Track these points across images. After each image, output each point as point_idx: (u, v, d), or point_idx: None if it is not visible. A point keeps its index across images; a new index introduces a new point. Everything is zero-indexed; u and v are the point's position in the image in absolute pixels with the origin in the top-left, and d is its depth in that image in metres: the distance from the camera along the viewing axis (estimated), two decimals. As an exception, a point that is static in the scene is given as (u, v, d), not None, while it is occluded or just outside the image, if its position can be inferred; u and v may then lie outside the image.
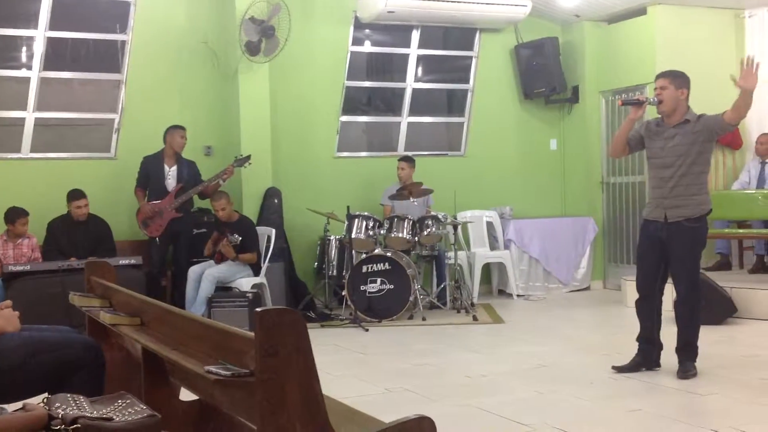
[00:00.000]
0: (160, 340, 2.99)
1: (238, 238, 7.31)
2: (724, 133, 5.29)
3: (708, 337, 6.47)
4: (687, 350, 5.16)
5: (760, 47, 9.20)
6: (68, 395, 2.37)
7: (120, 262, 7.04)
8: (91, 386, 3.18)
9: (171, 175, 7.70)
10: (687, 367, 5.11)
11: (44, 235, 7.44)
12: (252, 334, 2.18)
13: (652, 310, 5.27)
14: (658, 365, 5.33)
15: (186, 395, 3.17)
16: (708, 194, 5.12)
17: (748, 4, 9.19)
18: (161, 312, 3.09)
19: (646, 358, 5.31)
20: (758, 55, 9.11)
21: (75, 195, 7.42)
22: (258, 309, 2.14)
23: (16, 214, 7.19)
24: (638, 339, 5.36)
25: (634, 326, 7.10)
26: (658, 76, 5.12)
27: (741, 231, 8.33)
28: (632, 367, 5.31)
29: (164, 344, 2.91)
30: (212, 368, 2.30)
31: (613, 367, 5.35)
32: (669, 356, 5.92)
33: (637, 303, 5.35)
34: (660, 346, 5.33)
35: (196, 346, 2.66)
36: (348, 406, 2.61)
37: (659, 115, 5.19)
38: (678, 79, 5.04)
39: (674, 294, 5.31)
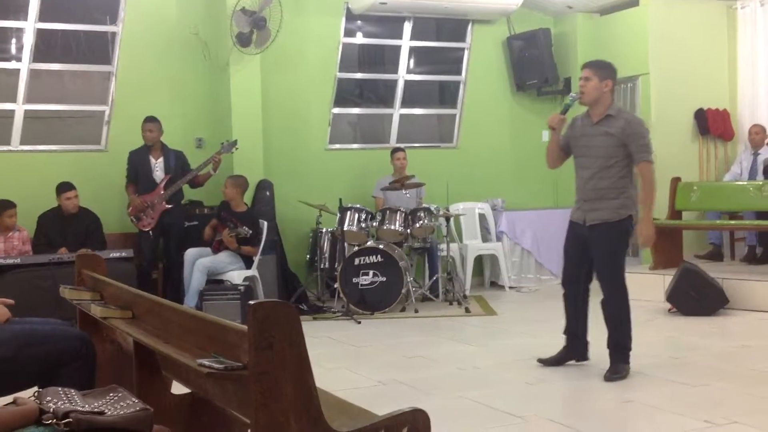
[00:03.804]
0: (151, 333, 2.97)
1: (248, 231, 7.28)
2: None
3: (700, 328, 6.51)
4: (616, 351, 5.00)
5: (752, 39, 9.23)
6: (59, 389, 2.35)
7: (111, 254, 6.98)
8: (83, 379, 3.16)
9: (158, 167, 7.66)
10: (616, 369, 4.95)
11: (35, 228, 7.39)
12: (245, 327, 2.16)
13: (576, 306, 5.18)
14: (586, 358, 5.22)
15: (178, 388, 3.16)
16: (631, 199, 4.93)
17: (740, -4, 9.20)
18: (153, 305, 3.08)
19: (573, 351, 5.22)
20: (750, 46, 9.22)
21: (64, 187, 7.38)
22: (251, 302, 2.13)
23: (2, 207, 7.14)
24: (565, 332, 5.28)
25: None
26: (584, 66, 4.99)
27: (733, 222, 8.34)
28: (558, 360, 5.24)
29: (156, 337, 2.89)
30: (205, 362, 2.28)
31: (539, 360, 5.30)
32: (655, 349, 5.94)
33: (564, 298, 5.27)
34: (585, 342, 5.21)
35: (189, 339, 2.64)
36: (341, 399, 2.60)
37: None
38: (603, 70, 4.92)
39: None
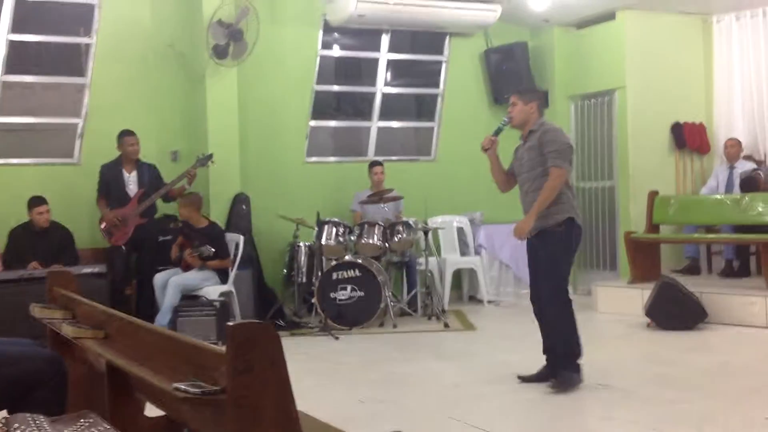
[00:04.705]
0: (125, 354, 2.87)
1: (211, 250, 7.16)
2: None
3: (680, 343, 6.49)
4: (561, 359, 5.02)
5: (728, 52, 9.28)
6: (28, 415, 2.26)
7: (83, 270, 6.86)
8: (53, 402, 3.06)
9: (131, 180, 7.54)
10: (563, 378, 4.95)
11: (5, 243, 7.24)
12: (223, 348, 2.08)
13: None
14: None
15: (152, 410, 3.06)
16: (567, 203, 5.05)
17: (715, 10, 9.25)
18: (126, 324, 2.97)
19: (553, 369, 5.17)
20: (726, 59, 9.27)
21: (35, 201, 7.23)
22: (229, 323, 2.05)
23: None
24: (544, 352, 5.24)
25: (605, 332, 7.14)
26: (511, 94, 5.28)
27: (710, 236, 8.35)
28: (538, 377, 5.19)
29: (130, 359, 2.80)
30: (181, 385, 2.19)
31: (519, 377, 5.26)
32: (636, 364, 5.90)
33: (535, 315, 5.26)
34: None
35: (164, 361, 2.55)
36: (324, 422, 2.52)
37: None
38: (527, 95, 5.23)
39: None
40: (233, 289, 7.47)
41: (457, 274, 9.14)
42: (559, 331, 5.04)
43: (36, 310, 3.80)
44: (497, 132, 5.22)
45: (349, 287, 7.56)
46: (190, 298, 7.20)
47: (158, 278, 7.24)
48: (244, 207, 8.14)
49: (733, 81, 9.25)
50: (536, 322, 5.27)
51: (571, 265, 5.22)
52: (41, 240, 7.26)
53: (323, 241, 7.70)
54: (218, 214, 8.05)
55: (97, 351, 3.00)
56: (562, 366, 5.01)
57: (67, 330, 3.30)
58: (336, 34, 9.21)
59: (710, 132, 9.44)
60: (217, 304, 7.01)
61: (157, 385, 2.36)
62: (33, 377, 3.07)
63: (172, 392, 2.19)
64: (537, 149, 5.05)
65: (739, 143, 8.81)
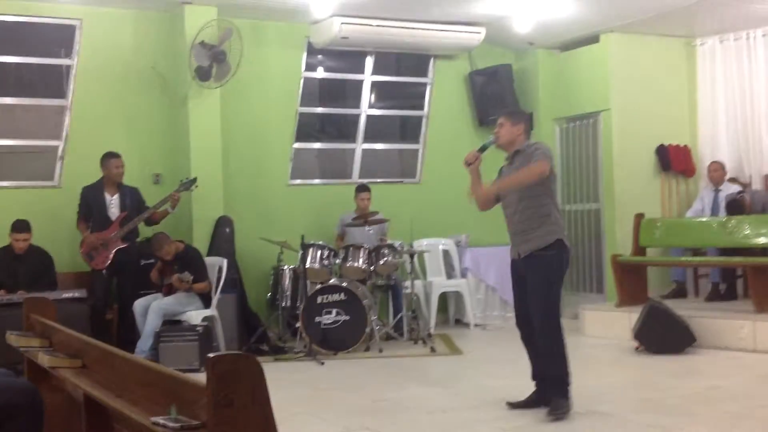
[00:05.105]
0: (102, 384, 2.78)
1: (190, 276, 7.07)
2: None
3: (669, 367, 6.43)
4: (554, 385, 4.92)
5: (712, 75, 9.31)
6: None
7: (63, 295, 6.75)
8: (29, 434, 2.95)
9: (113, 203, 7.43)
10: (558, 405, 4.84)
11: (-17, 267, 7.11)
12: (203, 381, 2.00)
13: (536, 348, 5.11)
14: None
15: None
16: (556, 224, 5.00)
17: (699, 33, 9.28)
18: (103, 354, 2.88)
19: (543, 395, 5.07)
20: (710, 82, 9.30)
21: (17, 227, 7.09)
22: (210, 354, 1.97)
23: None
24: (533, 378, 5.17)
25: (593, 356, 7.06)
26: (498, 116, 5.27)
27: (697, 259, 8.30)
28: (527, 404, 5.10)
29: (107, 390, 2.71)
30: (160, 420, 2.11)
31: (508, 403, 5.16)
32: (625, 389, 5.83)
33: (522, 341, 5.19)
34: None
35: (142, 393, 2.46)
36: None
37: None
38: (514, 116, 5.22)
39: None
40: (216, 314, 7.36)
41: (443, 298, 9.05)
42: (553, 358, 4.93)
43: (12, 339, 3.70)
44: (483, 149, 5.17)
45: (334, 311, 7.46)
46: (172, 323, 7.08)
47: (138, 304, 7.12)
48: (227, 230, 8.05)
49: (717, 103, 9.27)
50: (524, 347, 5.18)
51: (561, 288, 5.13)
52: (20, 264, 7.14)
53: (308, 265, 7.61)
54: (201, 237, 7.94)
55: (74, 382, 2.90)
56: (556, 393, 4.89)
57: (44, 359, 3.21)
58: (320, 56, 9.17)
59: (695, 154, 9.45)
60: (199, 329, 6.90)
61: (135, 419, 2.26)
62: (7, 409, 2.96)
63: (150, 427, 2.10)
64: (527, 164, 4.98)
65: (722, 167, 8.79)
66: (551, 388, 4.93)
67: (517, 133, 5.12)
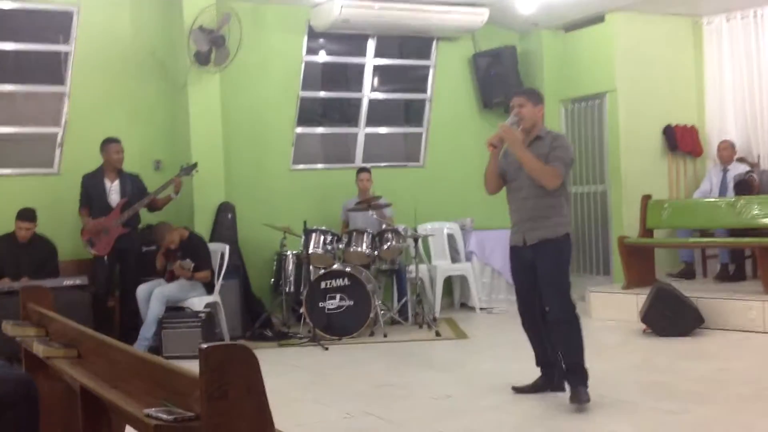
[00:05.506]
0: (98, 375, 2.72)
1: (191, 264, 7.01)
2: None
3: (677, 349, 6.36)
4: (575, 373, 4.81)
5: (719, 54, 9.18)
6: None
7: (64, 283, 6.71)
8: (25, 426, 2.89)
9: (114, 190, 7.36)
10: (579, 393, 4.73)
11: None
12: (197, 372, 1.93)
13: (539, 334, 5.03)
14: (562, 389, 4.97)
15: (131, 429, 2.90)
16: (565, 217, 4.89)
17: (705, 11, 9.14)
18: (99, 344, 2.82)
19: (549, 380, 5.04)
20: (717, 61, 9.17)
21: (23, 215, 7.02)
22: (203, 345, 1.90)
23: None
24: (537, 364, 5.10)
25: (599, 340, 6.98)
26: (515, 95, 5.07)
27: (704, 240, 8.21)
28: (532, 388, 5.06)
29: (102, 380, 2.65)
30: (152, 412, 2.05)
31: (513, 388, 5.11)
32: (634, 372, 5.76)
33: (524, 329, 5.11)
34: (561, 369, 4.97)
35: (137, 384, 2.40)
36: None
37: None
38: (534, 96, 5.03)
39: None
40: (219, 300, 7.30)
41: (448, 282, 8.98)
42: (573, 345, 4.82)
43: (8, 328, 3.64)
44: (513, 124, 4.91)
45: (338, 296, 7.41)
46: (174, 310, 7.03)
47: (141, 290, 7.06)
48: (229, 216, 7.98)
49: (724, 82, 9.14)
50: (526, 334, 5.11)
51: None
52: (22, 252, 7.09)
53: (311, 250, 7.54)
54: (203, 223, 7.88)
55: (69, 373, 2.84)
56: (576, 381, 4.76)
57: (39, 349, 3.16)
58: (321, 40, 9.06)
59: (702, 134, 9.33)
60: (202, 315, 6.85)
61: (129, 411, 2.20)
62: (1, 400, 2.89)
63: (143, 419, 2.04)
64: (545, 158, 4.80)
65: (732, 146, 8.69)
66: (571, 377, 4.81)
67: (540, 115, 4.96)
